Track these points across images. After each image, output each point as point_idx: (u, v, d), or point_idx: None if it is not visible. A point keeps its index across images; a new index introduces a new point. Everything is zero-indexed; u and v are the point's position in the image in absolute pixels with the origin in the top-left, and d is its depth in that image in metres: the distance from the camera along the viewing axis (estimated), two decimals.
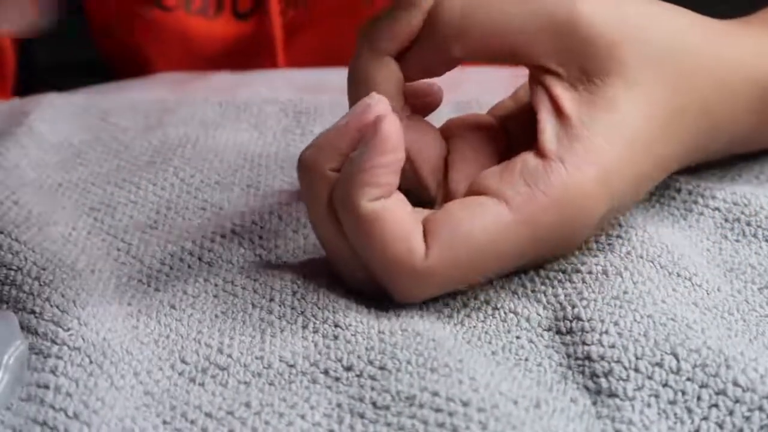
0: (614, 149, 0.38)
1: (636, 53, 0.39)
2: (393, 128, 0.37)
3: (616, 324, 0.36)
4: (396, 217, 0.37)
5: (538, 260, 0.40)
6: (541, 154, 0.38)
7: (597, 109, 0.39)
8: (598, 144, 0.38)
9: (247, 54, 0.73)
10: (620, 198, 0.39)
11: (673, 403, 0.34)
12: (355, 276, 0.39)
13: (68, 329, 0.37)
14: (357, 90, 0.41)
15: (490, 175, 0.39)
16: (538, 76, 0.40)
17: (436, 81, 0.43)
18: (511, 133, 0.43)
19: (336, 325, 0.37)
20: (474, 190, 0.39)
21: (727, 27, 0.44)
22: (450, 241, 0.37)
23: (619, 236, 0.42)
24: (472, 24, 0.40)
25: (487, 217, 0.37)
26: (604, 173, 0.38)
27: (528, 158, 0.38)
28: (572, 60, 0.39)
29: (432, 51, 0.41)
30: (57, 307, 0.38)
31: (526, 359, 0.36)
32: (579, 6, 0.39)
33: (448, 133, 0.43)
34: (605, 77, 0.39)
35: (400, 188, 0.39)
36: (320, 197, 0.39)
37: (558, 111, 0.39)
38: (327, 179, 0.38)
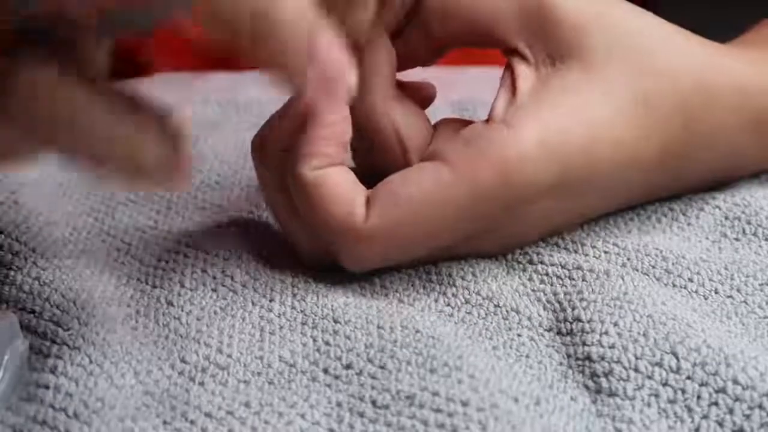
0: (561, 121, 0.39)
1: (601, 42, 0.40)
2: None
3: (615, 325, 0.36)
4: (337, 183, 0.38)
5: (489, 232, 0.40)
6: (488, 121, 0.39)
7: (549, 87, 0.39)
8: (544, 113, 0.39)
9: None
10: (573, 170, 0.39)
11: (673, 401, 0.34)
12: (312, 252, 0.41)
13: (68, 329, 0.37)
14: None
15: (437, 141, 0.40)
16: (509, 58, 0.41)
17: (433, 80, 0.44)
18: None
19: (335, 321, 0.38)
20: (423, 158, 0.40)
21: (716, 44, 0.44)
22: (389, 202, 0.38)
23: (615, 244, 0.42)
24: (452, 3, 0.41)
25: (426, 177, 0.38)
26: (547, 138, 0.38)
27: (475, 125, 0.39)
28: (539, 43, 0.40)
29: (417, 31, 0.42)
30: (57, 307, 0.38)
31: (527, 356, 0.36)
32: None
33: (438, 122, 0.43)
34: (566, 60, 0.40)
35: (388, 167, 0.40)
36: (269, 176, 0.40)
37: (513, 87, 0.40)
38: (275, 158, 0.40)
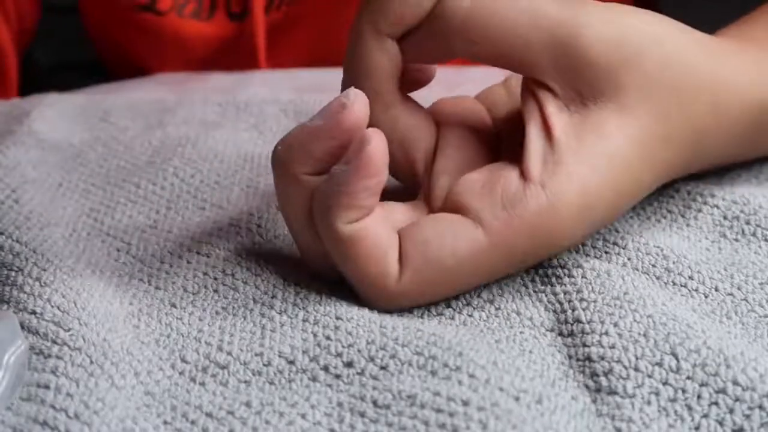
0: (598, 177, 0.38)
1: (633, 78, 0.39)
2: (377, 150, 0.36)
3: (615, 325, 0.36)
4: (371, 239, 0.37)
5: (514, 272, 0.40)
6: (523, 175, 0.38)
7: (586, 133, 0.38)
8: (582, 171, 0.38)
9: (236, 56, 0.73)
10: (599, 221, 0.39)
11: (673, 400, 0.34)
12: (328, 273, 0.40)
13: (69, 330, 0.37)
14: (353, 70, 0.40)
15: (469, 190, 0.38)
16: (532, 87, 0.40)
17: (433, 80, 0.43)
18: (499, 124, 0.43)
19: (337, 317, 0.37)
20: (451, 203, 0.39)
21: (726, 47, 0.43)
22: (423, 266, 0.37)
23: (615, 243, 0.42)
24: (475, 26, 0.39)
25: (461, 241, 0.37)
26: (585, 201, 0.38)
27: (510, 178, 0.38)
28: (568, 79, 0.39)
29: (432, 41, 0.40)
30: (58, 307, 0.38)
31: (530, 351, 0.36)
32: (582, 26, 0.39)
33: (437, 118, 0.42)
34: (598, 101, 0.39)
35: (393, 173, 0.39)
36: (296, 202, 0.39)
37: (547, 131, 0.39)
38: (302, 185, 0.38)
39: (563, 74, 0.39)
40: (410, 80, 0.42)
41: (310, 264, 0.40)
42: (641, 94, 0.39)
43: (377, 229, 0.37)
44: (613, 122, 0.39)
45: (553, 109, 0.39)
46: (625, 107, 0.39)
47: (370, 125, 0.38)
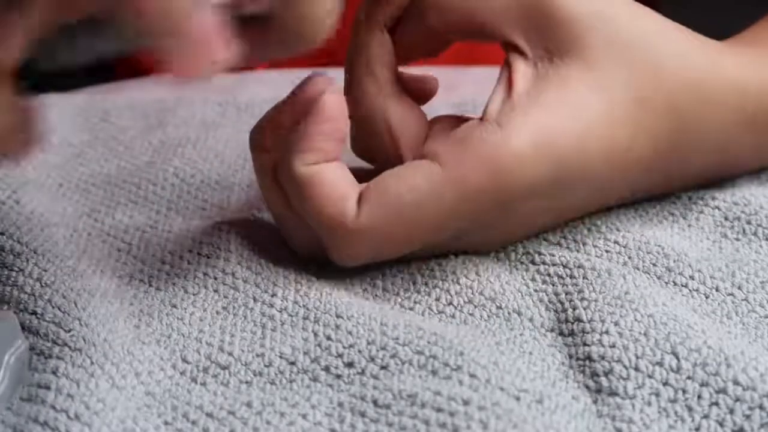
0: (556, 120, 0.39)
1: (601, 38, 0.40)
2: (332, 99, 0.39)
3: (616, 324, 0.36)
4: (330, 180, 0.38)
5: (477, 230, 0.40)
6: (482, 119, 0.39)
7: (547, 84, 0.39)
8: (539, 114, 0.39)
9: None
10: (565, 164, 0.39)
11: (673, 401, 0.34)
12: (304, 245, 0.41)
13: (69, 330, 0.37)
14: (350, 60, 0.42)
15: (432, 140, 0.40)
16: (507, 52, 0.41)
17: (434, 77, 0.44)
18: None
19: (338, 316, 0.38)
20: (417, 156, 0.40)
21: (723, 47, 0.44)
22: (379, 200, 0.38)
23: (616, 242, 0.42)
24: None
25: (417, 176, 0.38)
26: (541, 139, 0.38)
27: (469, 124, 0.39)
28: (538, 39, 0.40)
29: (415, 23, 0.42)
30: (58, 308, 0.38)
31: (531, 353, 0.36)
32: None
33: (433, 121, 0.43)
34: (565, 58, 0.40)
35: (383, 165, 0.40)
36: (265, 169, 0.40)
37: (509, 86, 0.40)
38: (269, 153, 0.40)
39: (531, 31, 0.40)
40: (414, 93, 0.43)
41: (298, 249, 0.41)
42: (609, 54, 0.40)
43: (336, 173, 0.39)
44: (577, 76, 0.40)
45: (520, 66, 0.40)
46: (591, 64, 0.40)
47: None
